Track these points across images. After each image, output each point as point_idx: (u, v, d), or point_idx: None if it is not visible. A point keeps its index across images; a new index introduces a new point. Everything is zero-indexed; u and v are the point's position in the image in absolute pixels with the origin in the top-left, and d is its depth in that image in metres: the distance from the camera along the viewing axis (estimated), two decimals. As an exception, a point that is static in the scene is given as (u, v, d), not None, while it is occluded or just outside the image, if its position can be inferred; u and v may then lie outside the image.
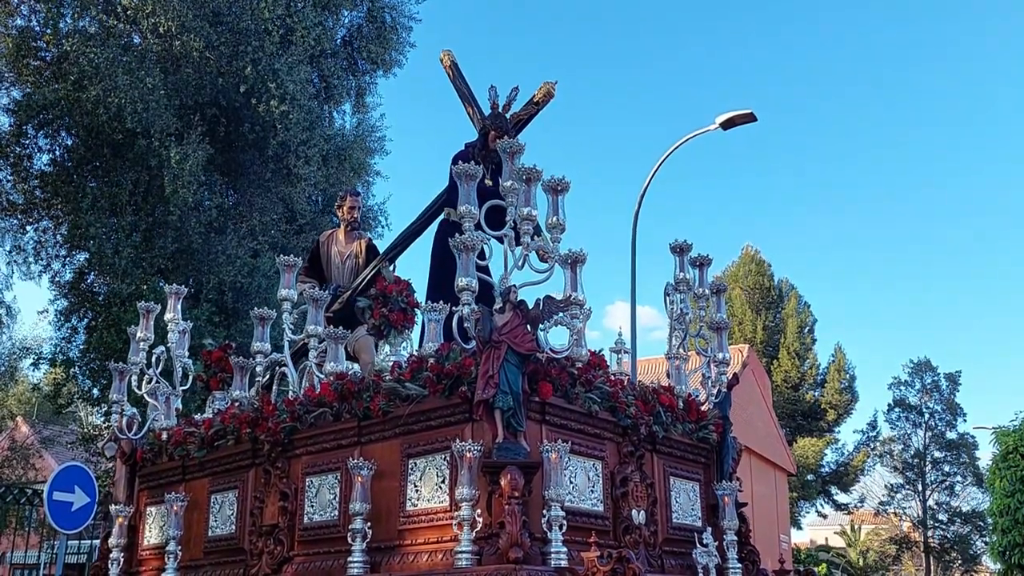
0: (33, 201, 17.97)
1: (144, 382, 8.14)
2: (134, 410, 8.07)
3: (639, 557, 5.25)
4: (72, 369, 17.86)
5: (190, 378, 8.15)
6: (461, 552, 5.02)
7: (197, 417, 7.81)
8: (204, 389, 8.60)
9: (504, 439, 5.12)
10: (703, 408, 7.03)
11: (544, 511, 5.11)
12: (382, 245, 9.20)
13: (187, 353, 8.17)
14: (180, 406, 8.25)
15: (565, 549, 5.02)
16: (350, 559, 5.57)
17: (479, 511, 5.09)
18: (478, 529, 5.07)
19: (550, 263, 5.99)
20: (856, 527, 48.79)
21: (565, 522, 5.09)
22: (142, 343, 8.10)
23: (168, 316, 8.13)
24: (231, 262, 16.45)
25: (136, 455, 7.92)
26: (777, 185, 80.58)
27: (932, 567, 45.74)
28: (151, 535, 7.69)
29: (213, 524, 7.08)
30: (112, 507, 7.76)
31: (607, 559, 4.59)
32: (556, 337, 5.71)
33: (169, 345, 8.08)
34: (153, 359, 8.10)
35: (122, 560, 7.52)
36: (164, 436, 7.71)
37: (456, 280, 5.84)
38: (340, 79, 18.95)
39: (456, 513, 5.11)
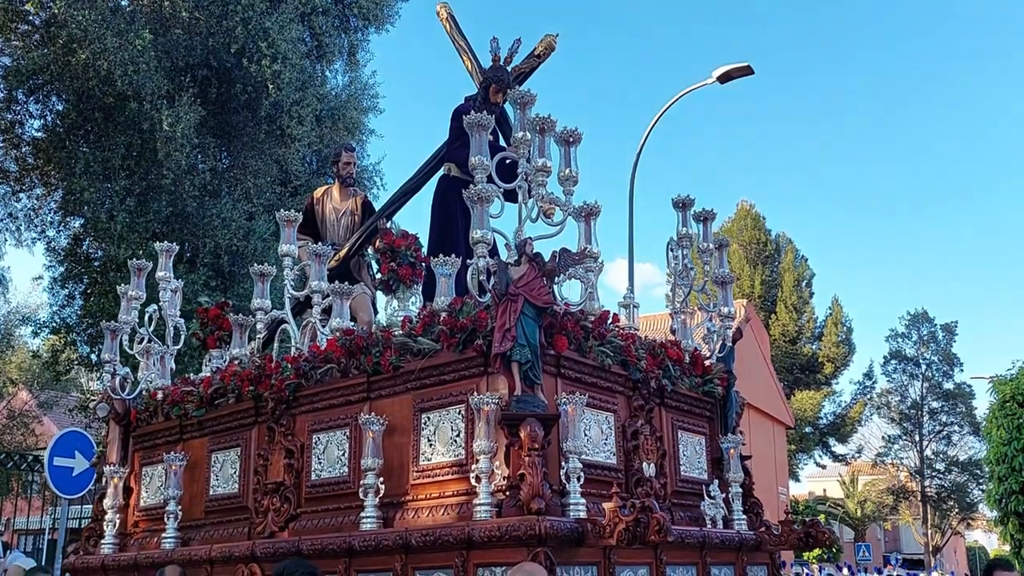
0: (25, 168, 17.83)
1: (136, 341, 8.00)
2: (127, 370, 7.92)
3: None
4: (70, 335, 17.82)
5: (183, 337, 8.01)
6: (480, 504, 4.97)
7: (194, 376, 7.69)
8: (200, 348, 8.47)
9: (522, 392, 5.07)
10: (707, 362, 7.00)
11: (562, 463, 5.07)
12: (378, 205, 9.09)
13: (179, 313, 8.03)
14: (173, 366, 8.13)
15: (583, 500, 4.99)
16: (362, 515, 5.53)
17: (498, 463, 5.06)
18: (496, 482, 5.04)
19: (554, 216, 5.91)
20: (854, 478, 49.20)
21: (583, 474, 5.06)
22: (134, 301, 7.97)
23: (159, 274, 8.00)
24: (226, 225, 16.30)
25: (130, 415, 7.80)
26: (773, 139, 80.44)
27: (929, 516, 46.15)
28: (147, 496, 7.62)
29: (214, 483, 7.01)
30: (106, 468, 7.65)
31: (630, 509, 4.55)
32: (567, 290, 5.68)
33: (161, 304, 7.96)
34: (145, 318, 7.98)
35: (118, 521, 7.48)
36: (160, 396, 7.55)
37: (471, 232, 5.75)
38: (332, 37, 18.64)
39: (474, 466, 5.06)
